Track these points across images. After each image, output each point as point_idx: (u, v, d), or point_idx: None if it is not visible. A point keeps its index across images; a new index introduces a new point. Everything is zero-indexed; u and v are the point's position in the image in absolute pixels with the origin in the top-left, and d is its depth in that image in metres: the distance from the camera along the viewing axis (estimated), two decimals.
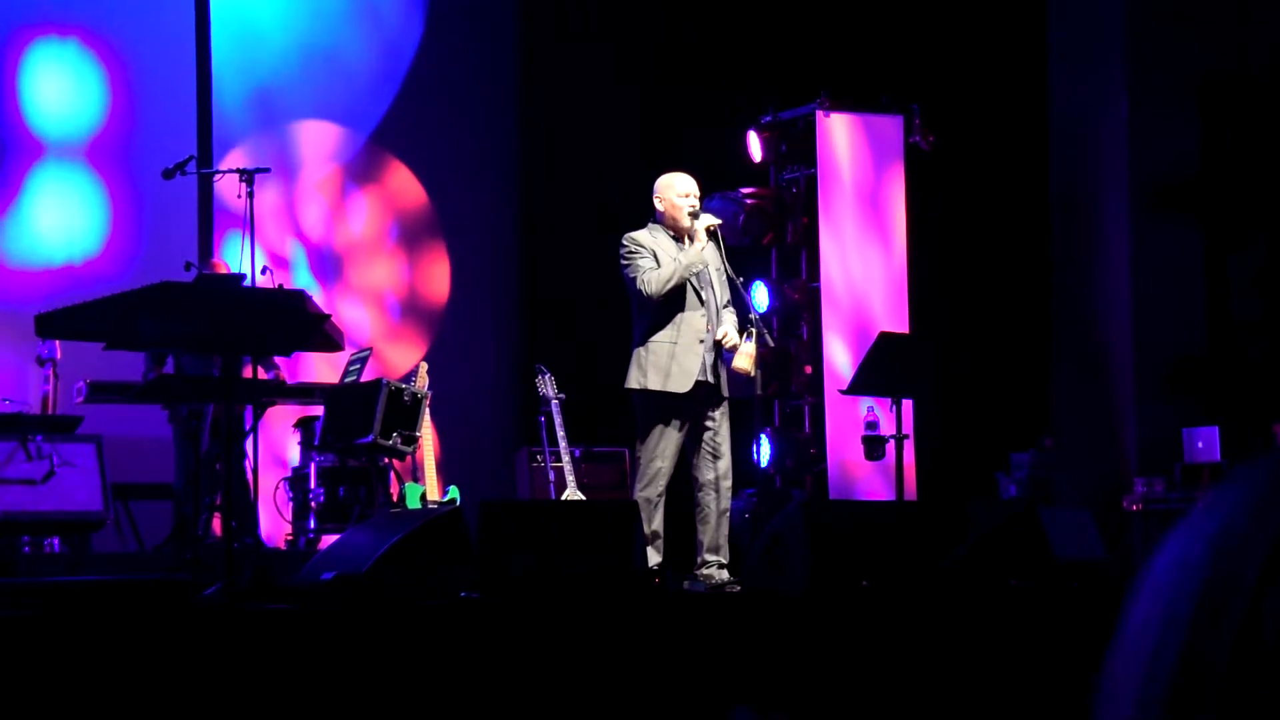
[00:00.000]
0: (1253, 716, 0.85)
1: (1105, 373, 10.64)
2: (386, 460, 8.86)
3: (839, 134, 10.65)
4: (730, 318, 7.21)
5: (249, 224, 8.08)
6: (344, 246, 11.24)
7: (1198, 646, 0.87)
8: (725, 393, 7.17)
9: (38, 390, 8.99)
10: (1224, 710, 0.86)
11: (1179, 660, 0.88)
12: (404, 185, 11.41)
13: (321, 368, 10.25)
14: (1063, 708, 5.52)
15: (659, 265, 7.10)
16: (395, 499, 8.86)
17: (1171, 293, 10.44)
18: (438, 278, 11.46)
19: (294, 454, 9.83)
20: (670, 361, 7.08)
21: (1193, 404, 10.18)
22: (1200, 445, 9.75)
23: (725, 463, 7.16)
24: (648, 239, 7.18)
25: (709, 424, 7.14)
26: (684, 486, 7.23)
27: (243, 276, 8.06)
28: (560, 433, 8.74)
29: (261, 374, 8.74)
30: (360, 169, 11.29)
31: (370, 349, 9.56)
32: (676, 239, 7.19)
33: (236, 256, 8.34)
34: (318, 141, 11.14)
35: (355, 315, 11.03)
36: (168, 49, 10.61)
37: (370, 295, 11.27)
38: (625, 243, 7.19)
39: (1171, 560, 0.92)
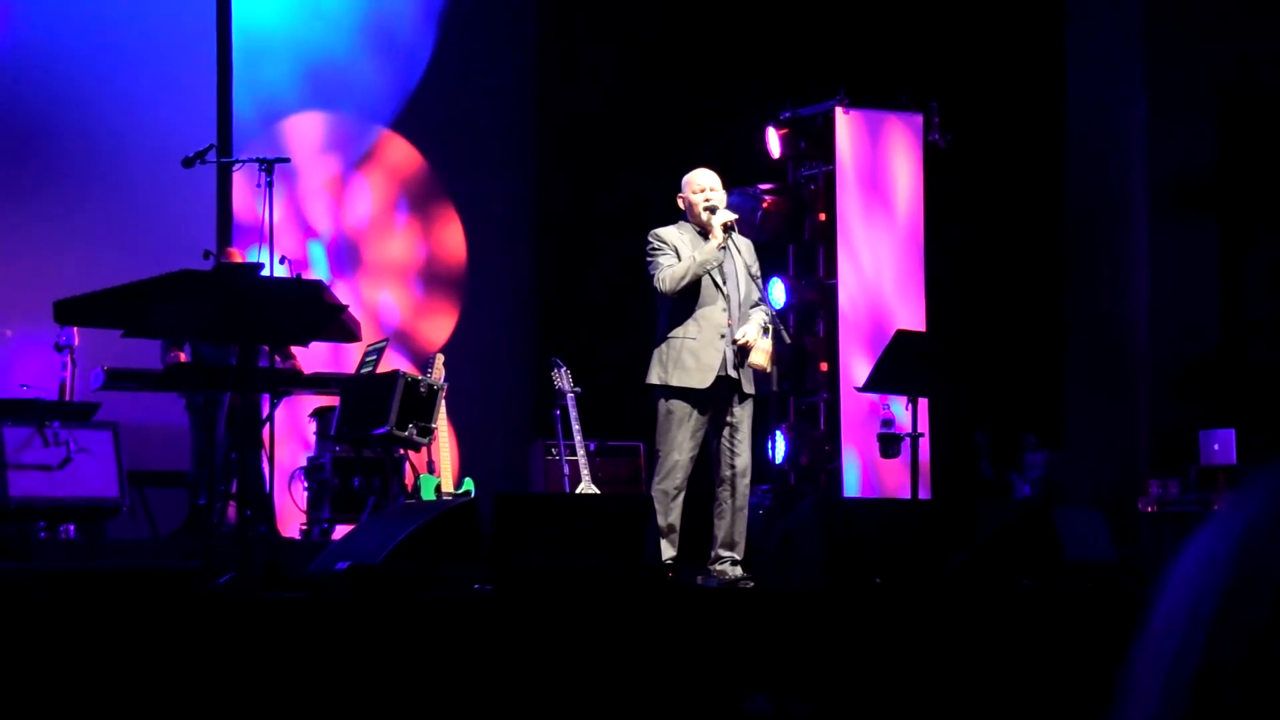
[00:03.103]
0: (1276, 712, 0.86)
1: (1120, 373, 10.63)
2: (402, 451, 8.87)
3: (857, 131, 10.65)
4: (757, 316, 7.17)
5: (269, 213, 8.09)
6: (361, 240, 11.26)
7: (1222, 643, 0.88)
8: (749, 390, 7.16)
9: (55, 377, 9.01)
10: (1247, 706, 0.87)
11: (1203, 656, 0.89)
12: (421, 180, 11.43)
13: (338, 358, 10.27)
14: (1073, 707, 5.52)
15: (680, 261, 7.11)
16: (410, 490, 8.87)
17: (1187, 293, 10.42)
18: (455, 273, 11.48)
19: (310, 444, 9.86)
20: (690, 357, 7.08)
21: (1207, 405, 10.16)
22: (1216, 448, 9.73)
23: (744, 460, 7.15)
24: (673, 235, 7.18)
25: (730, 420, 7.13)
26: (705, 481, 7.23)
27: (260, 266, 8.08)
28: (575, 426, 8.75)
29: (278, 363, 8.76)
30: (377, 163, 11.30)
31: (386, 340, 9.57)
32: (703, 235, 7.19)
33: (254, 251, 8.36)
34: (334, 134, 11.16)
35: (380, 298, 11.07)
36: (189, 37, 10.63)
37: (389, 286, 11.29)
38: (650, 239, 7.19)
39: (1197, 558, 0.93)
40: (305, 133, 11.03)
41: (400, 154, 11.37)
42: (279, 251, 8.60)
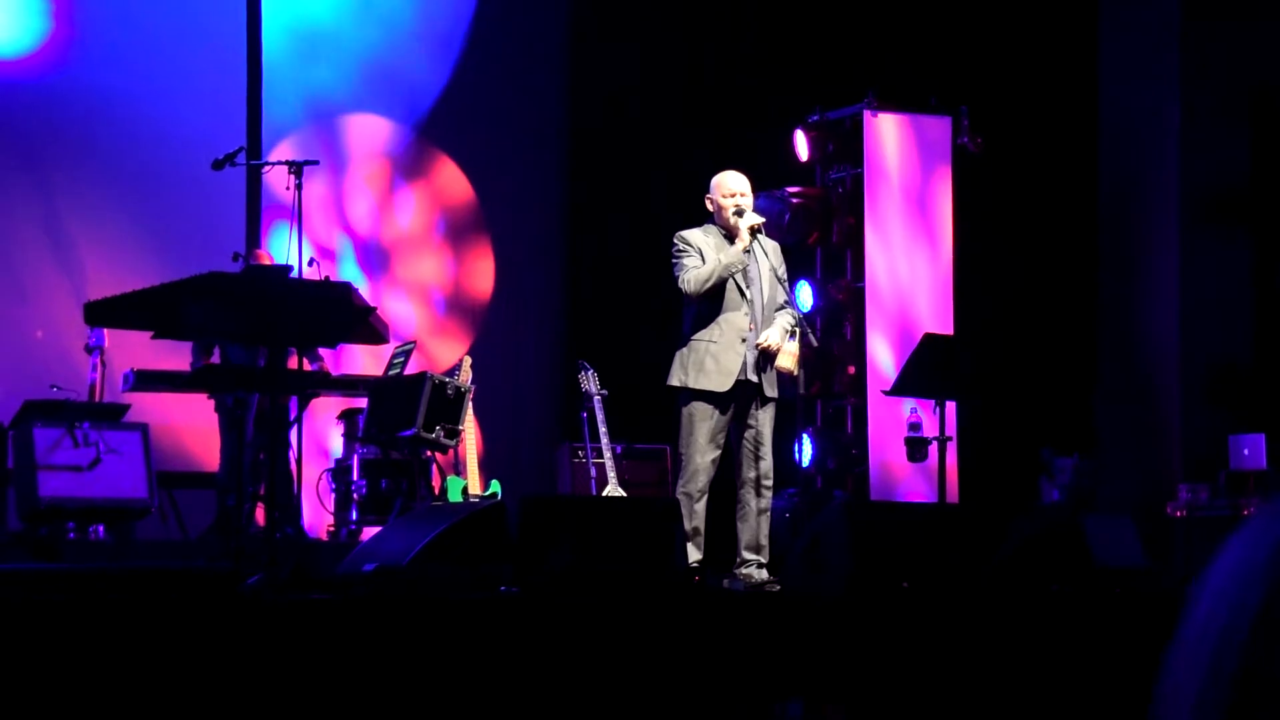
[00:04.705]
0: None
1: (1150, 378, 10.57)
2: (429, 453, 8.88)
3: (886, 134, 10.63)
4: (782, 320, 7.17)
5: (296, 216, 8.11)
6: (391, 240, 11.28)
7: (1260, 649, 0.88)
8: (772, 394, 7.15)
9: (85, 378, 9.05)
10: None
11: (1241, 663, 0.88)
12: (451, 180, 11.44)
13: (366, 360, 10.29)
14: (1104, 714, 5.50)
15: (705, 264, 7.11)
16: (437, 492, 8.89)
17: (1219, 299, 10.36)
18: (482, 273, 11.49)
19: (337, 445, 9.88)
20: (710, 360, 7.08)
21: (1238, 411, 10.10)
22: (1246, 453, 9.67)
23: (766, 464, 7.15)
24: (699, 238, 7.19)
25: (751, 423, 7.13)
26: (729, 484, 7.23)
27: (290, 268, 8.10)
28: (602, 429, 8.76)
29: (306, 365, 8.78)
30: (407, 163, 11.32)
31: (415, 342, 9.59)
32: (729, 239, 7.19)
33: (283, 249, 8.39)
34: (365, 135, 11.18)
35: (401, 309, 11.07)
36: (219, 39, 10.66)
37: (416, 289, 11.30)
38: (676, 241, 7.20)
39: (1234, 565, 0.92)
40: (332, 136, 11.04)
41: (428, 156, 11.37)
42: (309, 249, 8.62)
